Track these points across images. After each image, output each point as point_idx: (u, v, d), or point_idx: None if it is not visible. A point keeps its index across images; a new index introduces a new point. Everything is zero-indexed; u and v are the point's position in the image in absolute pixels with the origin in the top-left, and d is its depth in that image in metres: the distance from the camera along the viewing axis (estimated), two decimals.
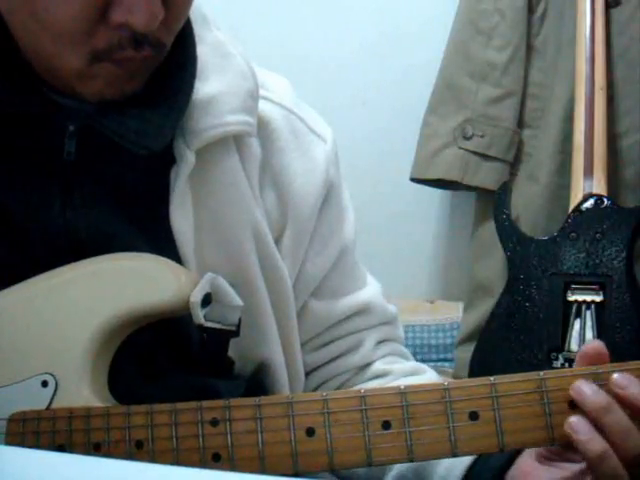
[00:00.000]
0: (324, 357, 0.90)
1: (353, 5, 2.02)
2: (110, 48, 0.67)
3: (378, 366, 0.91)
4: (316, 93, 1.81)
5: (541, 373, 0.61)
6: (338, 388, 0.90)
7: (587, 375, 0.61)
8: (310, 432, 0.63)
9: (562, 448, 0.66)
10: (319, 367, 0.91)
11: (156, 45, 0.69)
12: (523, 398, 0.61)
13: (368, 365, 0.91)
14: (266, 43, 1.92)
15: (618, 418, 0.61)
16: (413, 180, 1.88)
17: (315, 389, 0.91)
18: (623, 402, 0.61)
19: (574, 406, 0.61)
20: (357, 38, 2.00)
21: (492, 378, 0.62)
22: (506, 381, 0.62)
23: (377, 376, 0.90)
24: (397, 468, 0.82)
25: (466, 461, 0.75)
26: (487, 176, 1.81)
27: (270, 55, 1.63)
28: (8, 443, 0.67)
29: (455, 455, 0.62)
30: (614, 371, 0.61)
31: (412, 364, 0.94)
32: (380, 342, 0.93)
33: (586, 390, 0.61)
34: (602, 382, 0.62)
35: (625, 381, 0.61)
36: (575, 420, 0.61)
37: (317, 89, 1.88)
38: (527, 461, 0.70)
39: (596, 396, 0.61)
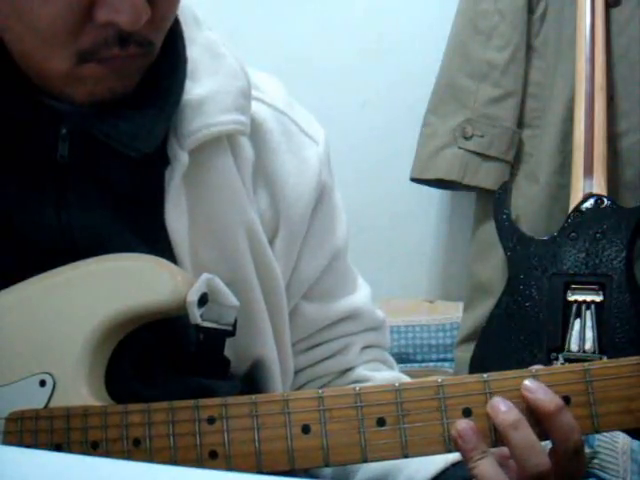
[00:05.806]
0: (312, 359, 0.91)
1: (352, 6, 2.02)
2: (96, 47, 0.67)
3: (359, 372, 0.91)
4: (316, 94, 1.82)
5: (533, 370, 0.62)
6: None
7: (577, 372, 0.61)
8: (306, 429, 0.63)
9: None
10: (305, 368, 0.91)
11: (143, 44, 0.69)
12: (516, 394, 0.62)
13: (350, 369, 0.92)
14: (265, 45, 1.93)
15: (524, 434, 0.61)
16: (413, 180, 1.88)
17: (299, 388, 0.92)
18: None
19: (567, 401, 0.61)
20: (357, 39, 2.01)
21: (485, 375, 0.62)
22: (499, 378, 0.62)
23: (357, 381, 0.91)
24: (363, 472, 0.83)
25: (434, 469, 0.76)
26: (487, 176, 1.81)
27: (270, 57, 1.64)
28: (6, 442, 0.67)
29: (449, 451, 0.62)
30: (605, 367, 0.61)
31: (394, 374, 0.95)
32: (365, 347, 0.93)
33: (501, 406, 0.61)
34: (593, 379, 0.61)
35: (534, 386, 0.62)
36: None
37: (317, 90, 1.89)
38: None
39: (508, 412, 0.61)
